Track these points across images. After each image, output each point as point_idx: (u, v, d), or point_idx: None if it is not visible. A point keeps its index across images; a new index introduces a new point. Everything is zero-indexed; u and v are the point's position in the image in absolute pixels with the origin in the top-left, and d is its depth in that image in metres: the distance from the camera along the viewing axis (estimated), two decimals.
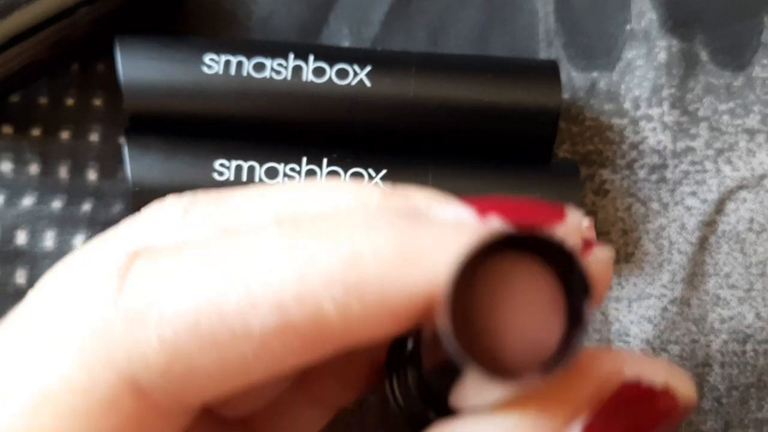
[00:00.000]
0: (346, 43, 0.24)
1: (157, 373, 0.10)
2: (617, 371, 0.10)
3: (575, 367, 0.10)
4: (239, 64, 0.21)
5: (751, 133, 0.24)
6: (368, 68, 0.21)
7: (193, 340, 0.10)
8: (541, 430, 0.10)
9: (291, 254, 0.10)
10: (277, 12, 0.24)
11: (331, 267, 0.10)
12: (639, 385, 0.10)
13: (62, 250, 0.22)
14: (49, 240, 0.22)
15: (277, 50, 0.22)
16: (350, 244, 0.10)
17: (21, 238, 0.22)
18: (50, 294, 0.12)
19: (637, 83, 0.24)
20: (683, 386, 0.11)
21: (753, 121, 0.24)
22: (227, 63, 0.21)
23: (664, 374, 0.11)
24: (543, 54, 0.24)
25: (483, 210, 0.11)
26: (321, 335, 0.10)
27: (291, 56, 0.22)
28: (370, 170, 0.21)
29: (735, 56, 0.24)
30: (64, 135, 0.23)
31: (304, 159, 0.21)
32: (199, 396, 0.11)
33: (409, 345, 0.12)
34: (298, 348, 0.10)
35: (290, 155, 0.21)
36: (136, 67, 0.21)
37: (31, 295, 0.12)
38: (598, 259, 0.11)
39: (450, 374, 0.10)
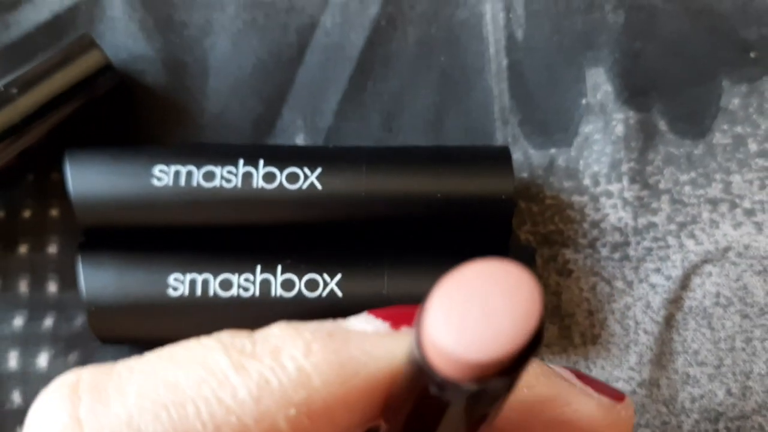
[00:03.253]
0: (300, 135, 0.24)
1: None
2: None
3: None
4: (189, 174, 0.21)
5: (714, 203, 0.23)
6: (318, 170, 0.21)
7: None
8: None
9: (244, 376, 0.11)
10: (230, 107, 0.24)
11: (284, 388, 0.11)
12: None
13: (26, 369, 0.22)
14: (12, 360, 0.22)
15: (227, 156, 0.22)
16: (295, 366, 0.11)
17: None
18: None
19: (595, 158, 0.24)
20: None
21: (715, 190, 0.23)
22: (177, 174, 0.21)
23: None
24: (499, 132, 0.24)
25: (396, 322, 0.12)
26: None
27: (241, 162, 0.21)
28: (325, 275, 0.21)
29: (694, 123, 0.24)
30: (22, 249, 0.23)
31: (258, 268, 0.21)
32: None
33: None
34: None
35: (244, 265, 0.21)
36: (86, 182, 0.21)
37: None
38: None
39: None
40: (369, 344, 0.12)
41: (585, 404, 0.14)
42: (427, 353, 0.09)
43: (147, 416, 0.11)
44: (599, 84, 0.24)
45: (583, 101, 0.24)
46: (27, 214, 0.23)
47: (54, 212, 0.23)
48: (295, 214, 0.21)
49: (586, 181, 0.24)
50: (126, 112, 0.24)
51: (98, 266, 0.21)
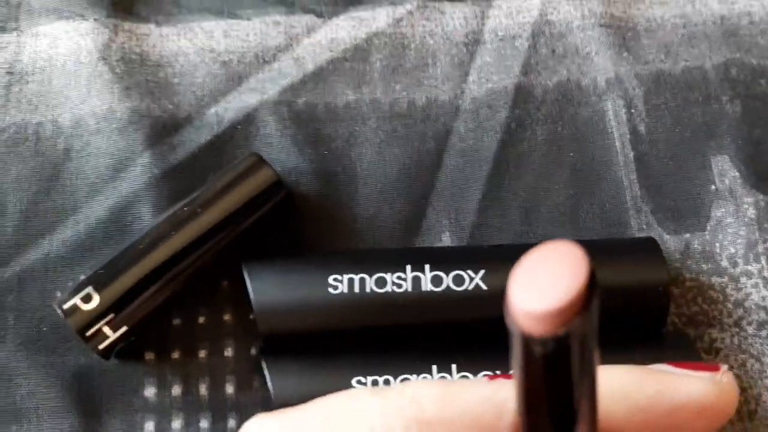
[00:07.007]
0: (446, 233, 0.26)
1: None
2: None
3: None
4: (362, 281, 0.23)
5: None
6: (482, 272, 0.23)
7: None
8: None
9: (375, 396, 0.17)
10: (380, 211, 0.26)
11: (401, 405, 0.16)
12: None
13: None
14: None
15: (394, 262, 0.23)
16: (412, 392, 0.17)
17: None
18: None
19: (731, 240, 0.25)
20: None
21: None
22: (351, 281, 0.23)
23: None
24: (633, 221, 0.26)
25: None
26: None
27: (408, 268, 0.23)
28: (498, 372, 0.22)
29: None
30: (201, 354, 0.25)
31: (434, 368, 0.22)
32: None
33: None
34: None
35: (421, 365, 0.22)
36: (266, 293, 0.23)
37: None
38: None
39: None
40: (467, 383, 0.17)
41: (689, 384, 0.16)
42: (520, 321, 0.12)
43: (307, 417, 0.17)
44: (726, 170, 0.26)
45: (712, 187, 0.26)
46: (201, 320, 0.25)
47: (227, 317, 0.25)
48: (464, 314, 0.23)
49: (724, 263, 0.25)
50: (287, 226, 0.26)
51: (283, 371, 0.23)
